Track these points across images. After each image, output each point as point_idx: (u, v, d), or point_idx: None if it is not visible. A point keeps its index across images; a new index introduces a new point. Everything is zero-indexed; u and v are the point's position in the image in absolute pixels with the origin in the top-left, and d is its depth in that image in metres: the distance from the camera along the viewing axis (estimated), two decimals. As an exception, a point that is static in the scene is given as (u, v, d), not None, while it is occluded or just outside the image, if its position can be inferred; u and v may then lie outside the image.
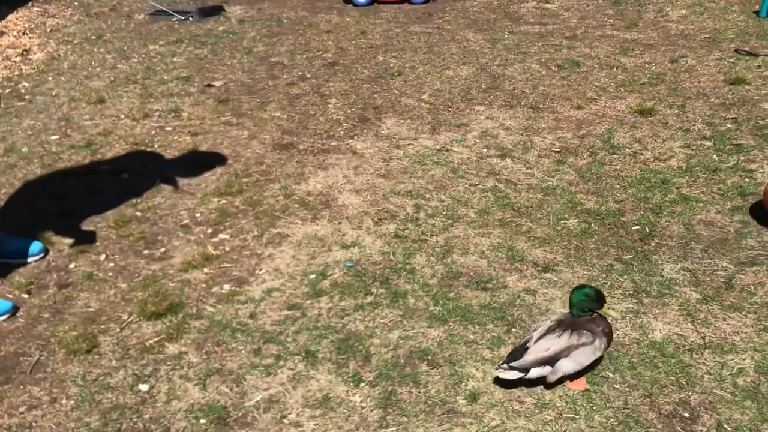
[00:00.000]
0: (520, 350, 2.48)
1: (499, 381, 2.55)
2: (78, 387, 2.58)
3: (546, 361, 2.45)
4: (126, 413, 2.47)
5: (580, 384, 2.56)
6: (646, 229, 3.49)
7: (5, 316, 2.88)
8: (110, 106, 4.94)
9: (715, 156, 4.13)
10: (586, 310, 2.52)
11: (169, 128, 4.63)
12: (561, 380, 2.53)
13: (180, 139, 4.46)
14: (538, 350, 2.45)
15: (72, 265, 3.26)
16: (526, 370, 2.45)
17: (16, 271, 3.19)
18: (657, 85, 5.15)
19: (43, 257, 3.28)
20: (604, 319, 2.55)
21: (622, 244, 3.38)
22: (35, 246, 3.26)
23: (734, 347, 2.74)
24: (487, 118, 4.72)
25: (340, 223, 3.59)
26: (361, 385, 2.59)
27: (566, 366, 2.47)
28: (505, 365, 2.48)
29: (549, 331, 2.50)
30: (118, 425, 2.42)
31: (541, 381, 2.53)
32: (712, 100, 4.87)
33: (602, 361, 2.64)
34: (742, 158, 4.08)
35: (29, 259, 3.25)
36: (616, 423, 2.43)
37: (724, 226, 3.49)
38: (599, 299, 2.52)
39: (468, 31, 6.67)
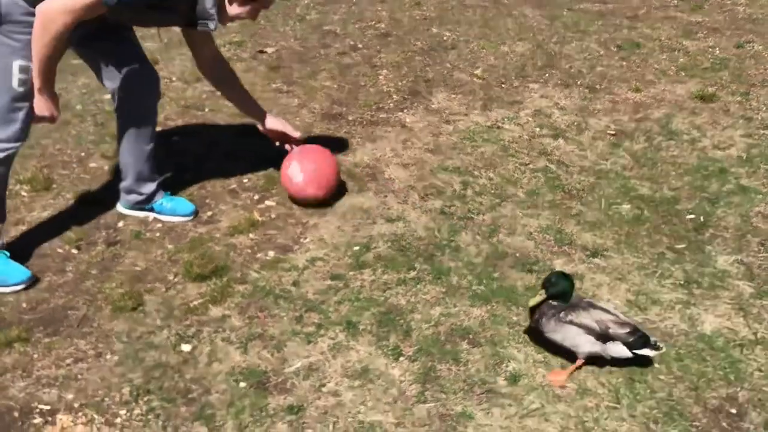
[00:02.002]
0: (641, 335, 2.48)
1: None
2: (122, 343, 2.63)
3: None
4: (168, 372, 2.51)
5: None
6: (701, 218, 3.38)
7: (21, 286, 2.87)
8: (162, 68, 4.97)
9: (778, 147, 3.97)
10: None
11: (220, 93, 4.63)
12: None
13: (230, 104, 4.45)
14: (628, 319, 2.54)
15: (121, 224, 3.30)
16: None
17: (68, 227, 3.24)
18: (720, 70, 4.97)
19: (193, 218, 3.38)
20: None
21: (675, 232, 3.29)
22: (189, 207, 3.38)
23: (788, 345, 2.65)
24: (542, 96, 4.62)
25: (385, 196, 3.56)
26: (401, 359, 2.58)
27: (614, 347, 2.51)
28: (654, 343, 2.49)
29: (589, 310, 2.53)
30: (160, 383, 2.46)
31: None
32: (777, 88, 4.68)
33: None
34: (807, 150, 3.92)
35: (180, 219, 3.34)
36: (659, 414, 2.37)
37: (784, 219, 3.37)
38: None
39: (525, 6, 6.52)
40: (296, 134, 3.44)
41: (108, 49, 3.00)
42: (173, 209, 3.31)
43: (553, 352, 2.58)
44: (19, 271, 2.87)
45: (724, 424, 2.36)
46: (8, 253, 2.90)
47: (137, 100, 3.08)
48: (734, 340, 2.68)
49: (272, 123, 3.43)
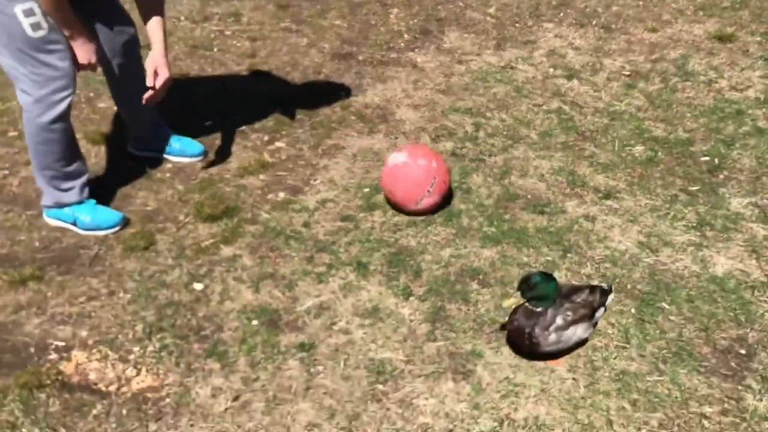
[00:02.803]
0: (604, 289, 2.40)
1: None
2: (135, 282, 2.65)
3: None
4: (180, 310, 2.53)
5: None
6: (716, 160, 3.34)
7: (116, 228, 2.88)
8: (170, 7, 4.87)
9: (797, 88, 3.89)
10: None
11: (229, 32, 4.57)
12: None
13: (239, 44, 4.40)
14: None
15: (131, 164, 3.29)
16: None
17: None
18: (740, 9, 4.83)
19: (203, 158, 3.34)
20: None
21: (688, 174, 3.25)
22: (198, 147, 3.33)
23: (800, 287, 2.64)
24: (556, 36, 4.52)
25: (396, 138, 3.52)
26: (411, 298, 2.59)
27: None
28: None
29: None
30: (173, 321, 2.49)
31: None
32: (799, 28, 4.56)
33: (654, 295, 2.58)
34: (827, 92, 3.83)
35: (189, 160, 3.31)
36: (668, 354, 2.39)
37: (801, 162, 3.32)
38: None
39: (540, -57, 6.32)
40: (162, 78, 2.81)
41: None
42: (182, 150, 3.30)
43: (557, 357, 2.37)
44: (112, 215, 2.89)
45: (732, 364, 2.37)
46: (95, 201, 2.90)
47: (118, 49, 2.91)
48: (746, 281, 2.68)
49: (151, 58, 2.81)
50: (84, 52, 2.58)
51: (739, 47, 4.35)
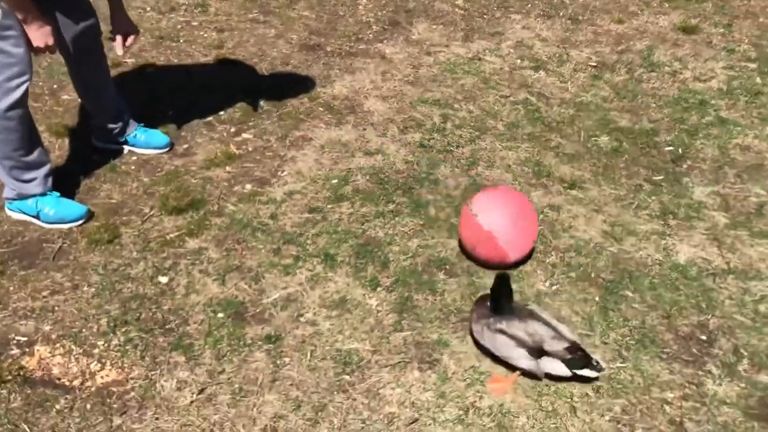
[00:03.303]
0: (573, 347, 2.20)
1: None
2: (99, 275, 2.62)
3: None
4: (145, 303, 2.51)
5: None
6: (680, 150, 3.38)
7: (80, 221, 2.85)
8: (136, -2, 4.82)
9: (758, 79, 3.96)
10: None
11: (195, 23, 4.52)
12: None
13: (206, 35, 4.36)
14: (567, 329, 2.26)
15: (95, 157, 3.25)
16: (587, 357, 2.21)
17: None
18: (704, 1, 4.90)
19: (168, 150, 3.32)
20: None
21: (653, 164, 3.29)
22: (163, 139, 3.31)
23: (759, 274, 2.69)
24: (524, 27, 4.54)
25: (364, 129, 3.52)
26: (378, 289, 2.60)
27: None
28: (595, 363, 2.20)
29: (544, 320, 2.26)
30: (138, 314, 2.47)
31: None
32: (761, 20, 4.63)
33: (618, 283, 2.62)
34: (787, 82, 3.91)
35: (155, 151, 3.29)
36: (631, 342, 2.42)
37: (761, 151, 3.38)
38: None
39: (509, -65, 6.34)
40: (132, 37, 2.91)
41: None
42: (147, 142, 3.26)
43: (492, 359, 2.33)
44: (76, 208, 2.85)
45: (694, 350, 2.41)
46: (58, 193, 2.86)
47: (80, 39, 2.87)
48: (707, 269, 2.72)
49: (119, 23, 2.88)
50: (39, 35, 2.52)
51: (703, 39, 4.41)
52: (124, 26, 2.87)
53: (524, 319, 2.23)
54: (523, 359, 2.22)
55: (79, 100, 3.36)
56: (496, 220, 2.54)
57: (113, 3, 2.83)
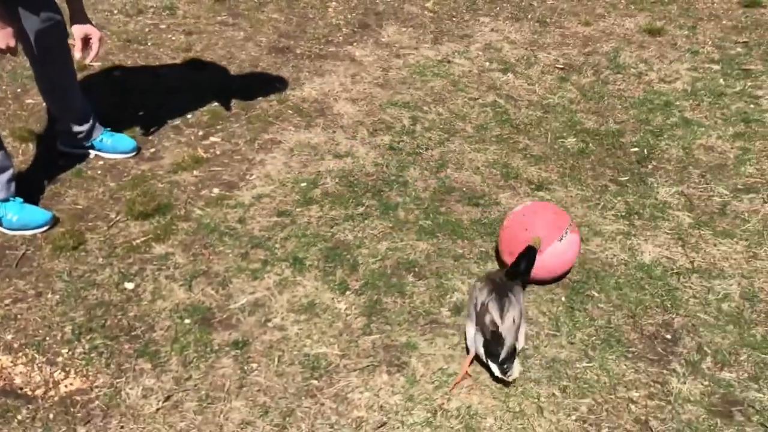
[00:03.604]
0: (495, 342, 2.21)
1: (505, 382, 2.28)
2: (64, 282, 2.58)
3: (517, 331, 2.27)
4: (111, 310, 2.48)
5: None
6: (645, 151, 3.43)
7: (45, 228, 2.81)
8: (103, 1, 4.76)
9: (721, 80, 4.02)
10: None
11: (163, 26, 4.48)
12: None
13: (174, 38, 4.33)
14: (509, 328, 2.23)
15: (61, 161, 3.20)
16: (513, 353, 2.23)
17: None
18: (669, 4, 4.97)
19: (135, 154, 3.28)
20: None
21: (618, 165, 3.33)
22: (130, 143, 3.27)
23: (722, 273, 2.74)
24: (492, 30, 4.57)
25: (334, 132, 3.52)
26: (347, 293, 2.60)
27: (524, 329, 2.32)
28: (505, 367, 2.20)
29: (502, 305, 2.27)
30: (103, 321, 2.44)
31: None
32: (724, 22, 4.71)
33: (584, 284, 2.64)
34: (750, 84, 3.97)
35: (122, 156, 3.25)
36: (597, 341, 2.45)
37: (724, 152, 3.44)
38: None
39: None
40: (95, 40, 2.81)
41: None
42: (114, 146, 3.22)
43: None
44: (40, 214, 2.80)
45: (659, 349, 2.44)
46: (22, 199, 2.81)
47: (45, 38, 2.83)
48: (672, 268, 2.76)
49: (79, 26, 2.80)
50: (1, 36, 2.47)
51: (668, 40, 4.47)
52: (84, 29, 2.78)
53: (502, 296, 2.29)
54: (470, 326, 2.30)
55: (44, 103, 3.31)
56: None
57: (72, 4, 2.76)
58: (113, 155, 3.23)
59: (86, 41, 2.80)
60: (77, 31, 2.77)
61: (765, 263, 2.78)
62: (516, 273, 2.39)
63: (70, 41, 2.90)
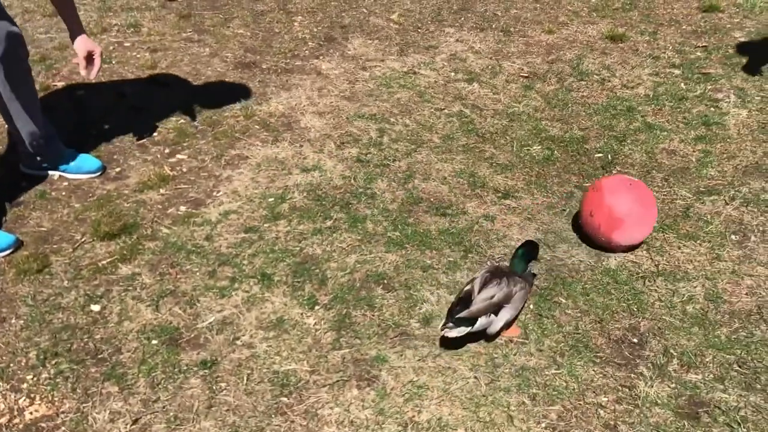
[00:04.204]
0: (463, 303, 2.36)
1: (444, 342, 2.43)
2: (28, 307, 2.55)
3: (491, 310, 2.35)
4: (77, 333, 2.45)
5: (516, 331, 2.52)
6: (609, 156, 3.47)
7: (7, 252, 2.77)
8: (65, 19, 4.73)
9: (682, 84, 4.09)
10: (527, 263, 2.56)
11: (128, 44, 4.46)
12: (500, 331, 2.44)
13: (139, 56, 4.30)
14: (483, 299, 2.35)
15: (24, 183, 3.17)
16: (473, 321, 2.33)
17: (-35, 189, 3.09)
18: (630, 10, 5.05)
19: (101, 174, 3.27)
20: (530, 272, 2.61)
21: (583, 171, 3.37)
22: (96, 163, 3.25)
23: (686, 275, 2.78)
24: (457, 40, 4.61)
25: (301, 145, 3.52)
26: (316, 308, 2.59)
27: (507, 314, 2.40)
28: (450, 324, 2.31)
29: (487, 282, 2.39)
30: (69, 345, 2.41)
31: (481, 334, 2.44)
32: (684, 27, 4.80)
33: (551, 290, 2.66)
34: (709, 87, 4.05)
35: (86, 176, 3.24)
36: (566, 348, 2.47)
37: (687, 155, 3.49)
38: (536, 251, 2.60)
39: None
40: (97, 55, 2.92)
41: None
42: (78, 167, 3.19)
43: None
44: (3, 238, 2.76)
45: (626, 353, 2.47)
46: None
47: (5, 59, 2.79)
48: (637, 272, 2.79)
49: (80, 44, 2.89)
50: None
51: (630, 46, 4.54)
52: (87, 45, 2.86)
53: (494, 277, 2.43)
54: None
55: (5, 125, 3.27)
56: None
57: (69, 18, 2.83)
58: (78, 176, 3.20)
59: (89, 57, 2.87)
60: (80, 46, 2.84)
61: (728, 264, 2.83)
62: (513, 260, 2.53)
63: (74, 60, 2.95)
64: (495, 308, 2.36)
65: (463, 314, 2.31)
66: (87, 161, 3.22)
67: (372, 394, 2.28)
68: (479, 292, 2.37)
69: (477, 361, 2.40)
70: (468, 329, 2.32)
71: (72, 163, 3.19)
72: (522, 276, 2.49)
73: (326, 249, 2.87)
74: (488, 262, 2.73)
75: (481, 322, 2.34)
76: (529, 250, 2.56)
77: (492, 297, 2.35)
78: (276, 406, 2.23)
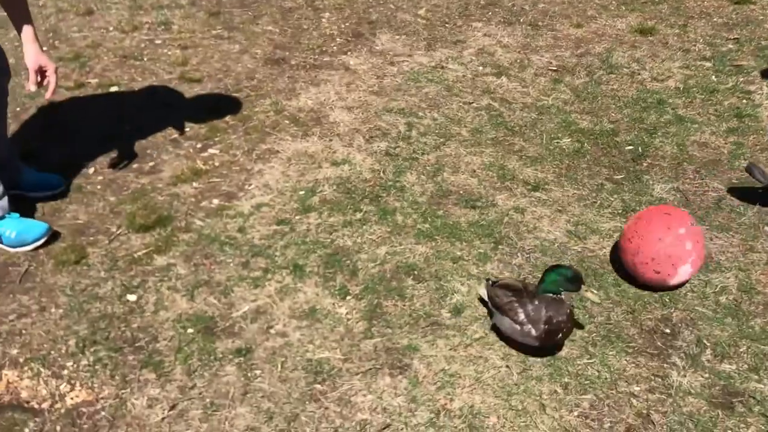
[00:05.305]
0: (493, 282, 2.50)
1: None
2: (67, 296, 2.61)
3: (493, 304, 2.43)
4: (114, 322, 2.51)
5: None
6: (639, 149, 3.46)
7: (42, 240, 2.80)
8: (99, 18, 4.81)
9: (713, 77, 4.05)
10: (557, 290, 2.29)
11: (159, 41, 4.53)
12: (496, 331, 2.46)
13: (170, 53, 4.37)
14: (493, 291, 2.44)
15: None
16: (490, 299, 2.46)
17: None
18: (659, 3, 5.01)
19: (63, 191, 3.14)
20: (561, 305, 2.28)
21: (614, 163, 3.36)
22: (53, 179, 3.14)
23: (719, 266, 2.76)
24: (485, 35, 4.61)
25: (330, 140, 3.55)
26: (348, 298, 2.62)
27: (497, 320, 2.42)
28: (491, 281, 2.51)
29: (507, 286, 2.40)
30: (107, 333, 2.46)
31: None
32: (715, 19, 4.75)
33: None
34: (741, 79, 4.00)
35: (48, 193, 3.10)
36: (597, 338, 2.47)
37: (718, 147, 3.46)
38: (575, 281, 2.27)
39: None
40: (51, 72, 2.69)
41: None
42: (36, 184, 3.09)
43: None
44: (37, 227, 2.80)
45: (658, 343, 2.46)
46: (18, 214, 2.81)
47: None
48: (669, 264, 2.78)
49: (31, 56, 2.66)
50: None
51: (660, 40, 4.51)
52: (38, 59, 2.61)
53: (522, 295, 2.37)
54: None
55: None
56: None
57: (22, 30, 2.60)
58: (36, 193, 3.08)
59: (41, 73, 2.64)
60: (30, 59, 2.61)
61: (761, 255, 2.80)
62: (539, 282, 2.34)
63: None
64: (496, 307, 2.42)
65: (489, 283, 2.48)
66: (46, 179, 3.11)
67: (404, 382, 2.30)
68: (496, 285, 2.46)
69: (508, 351, 2.41)
70: (486, 300, 2.49)
71: (30, 180, 3.07)
72: (537, 308, 2.27)
73: (357, 241, 2.90)
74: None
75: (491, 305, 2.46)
76: (565, 278, 2.28)
77: (496, 296, 2.41)
78: (310, 393, 2.26)
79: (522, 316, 2.30)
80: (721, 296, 2.63)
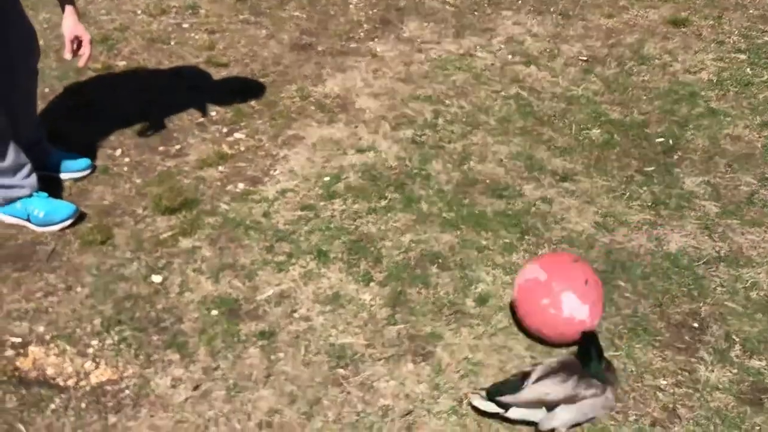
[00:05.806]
0: (513, 384, 2.10)
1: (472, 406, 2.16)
2: (92, 276, 2.62)
3: (541, 403, 2.07)
4: (139, 303, 2.52)
5: None
6: (670, 141, 3.40)
7: (70, 221, 2.82)
8: (127, 2, 4.82)
9: (748, 69, 3.97)
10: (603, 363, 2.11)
11: (186, 25, 4.53)
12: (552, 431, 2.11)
13: (197, 37, 4.37)
14: (535, 391, 2.06)
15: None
16: (506, 406, 2.07)
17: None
18: (693, -6, 4.92)
19: (91, 173, 3.16)
20: (611, 366, 2.17)
21: (644, 155, 3.31)
22: (81, 160, 3.16)
23: (750, 261, 2.71)
24: (514, 23, 4.56)
25: (356, 126, 3.53)
26: (371, 284, 2.61)
27: (566, 415, 2.06)
28: (482, 392, 2.11)
29: (551, 373, 2.08)
30: (132, 314, 2.47)
31: (521, 422, 2.13)
32: (750, 11, 4.65)
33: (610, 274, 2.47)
34: (777, 72, 3.93)
35: (75, 174, 3.13)
36: (624, 330, 2.44)
37: (751, 141, 3.40)
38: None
39: (498, -67, 6.36)
40: (86, 42, 2.71)
41: None
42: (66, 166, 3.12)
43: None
44: (64, 207, 2.83)
45: (686, 337, 2.43)
46: (46, 194, 2.83)
47: (18, 60, 2.79)
48: (699, 258, 2.74)
49: (68, 25, 2.71)
50: None
51: (693, 31, 4.43)
52: (74, 29, 2.67)
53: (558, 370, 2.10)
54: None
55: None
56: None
57: (66, 8, 2.67)
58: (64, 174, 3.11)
59: (77, 43, 2.71)
60: (66, 30, 2.67)
61: (794, 252, 2.75)
62: (585, 360, 2.10)
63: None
64: (548, 405, 2.06)
65: (503, 399, 2.06)
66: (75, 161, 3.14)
67: (427, 369, 2.29)
68: (536, 381, 2.07)
69: (533, 342, 2.38)
70: (496, 411, 2.08)
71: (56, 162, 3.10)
72: (598, 378, 2.08)
73: (381, 228, 2.88)
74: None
75: (519, 412, 2.08)
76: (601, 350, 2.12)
77: (547, 394, 2.05)
78: (333, 377, 2.25)
79: (594, 389, 2.06)
80: (752, 292, 2.58)
